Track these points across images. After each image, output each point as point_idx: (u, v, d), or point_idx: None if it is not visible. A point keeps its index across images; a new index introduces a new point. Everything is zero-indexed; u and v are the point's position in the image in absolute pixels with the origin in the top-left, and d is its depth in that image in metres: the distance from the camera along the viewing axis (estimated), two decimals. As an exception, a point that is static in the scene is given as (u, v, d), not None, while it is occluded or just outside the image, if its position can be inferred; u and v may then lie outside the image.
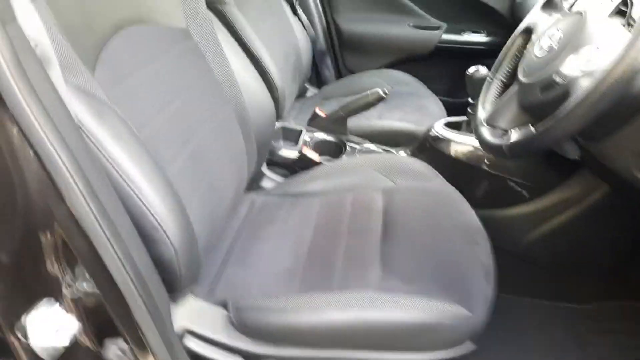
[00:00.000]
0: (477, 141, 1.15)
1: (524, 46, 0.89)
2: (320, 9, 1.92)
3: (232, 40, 1.05)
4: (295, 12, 1.80)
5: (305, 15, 1.85)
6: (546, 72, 0.67)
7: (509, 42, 0.91)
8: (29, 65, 0.46)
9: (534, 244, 1.15)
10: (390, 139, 1.36)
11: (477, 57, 1.87)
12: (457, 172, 1.17)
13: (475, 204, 1.00)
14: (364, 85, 1.75)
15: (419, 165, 1.09)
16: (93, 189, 0.48)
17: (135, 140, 0.61)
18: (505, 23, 1.78)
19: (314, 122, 1.35)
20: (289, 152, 1.21)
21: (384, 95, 1.25)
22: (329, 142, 1.29)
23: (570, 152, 0.90)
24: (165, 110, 0.76)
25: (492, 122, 0.79)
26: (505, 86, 0.89)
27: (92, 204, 0.48)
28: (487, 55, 1.86)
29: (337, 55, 1.99)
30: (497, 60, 0.92)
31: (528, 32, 0.88)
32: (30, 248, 0.52)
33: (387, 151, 1.30)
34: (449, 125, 1.24)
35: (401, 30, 1.88)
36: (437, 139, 1.21)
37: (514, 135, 0.68)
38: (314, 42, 1.88)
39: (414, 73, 1.88)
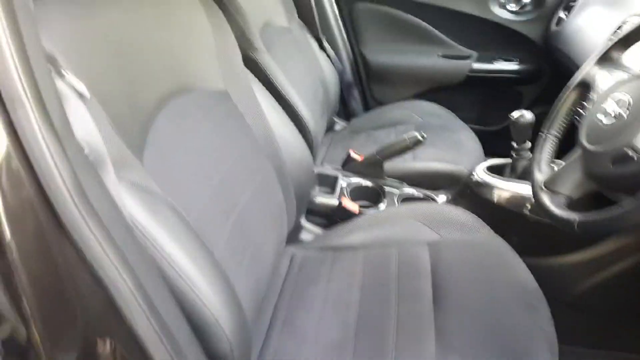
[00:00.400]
0: (521, 187, 1.13)
1: (579, 102, 0.85)
2: (347, 42, 1.90)
3: (265, 91, 1.04)
4: (322, 47, 1.79)
5: (332, 47, 1.84)
6: (617, 144, 0.63)
7: (562, 96, 0.87)
8: (84, 177, 0.44)
9: (587, 292, 1.10)
10: (428, 181, 1.32)
11: (509, 84, 1.83)
12: (500, 218, 1.12)
13: (521, 251, 0.96)
14: (393, 118, 1.73)
15: (464, 215, 1.05)
16: (154, 303, 0.46)
17: (187, 230, 0.59)
18: (538, 50, 1.74)
19: (349, 165, 1.32)
20: (326, 201, 1.18)
21: (421, 139, 1.21)
22: (367, 187, 1.26)
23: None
24: (209, 185, 0.74)
25: (553, 187, 0.75)
26: (561, 142, 0.85)
27: (153, 320, 0.45)
28: (519, 82, 1.83)
29: (365, 87, 1.97)
30: (549, 114, 0.88)
31: (584, 86, 0.83)
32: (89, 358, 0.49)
33: (427, 196, 1.25)
34: (491, 169, 1.19)
35: (430, 60, 1.84)
36: (479, 184, 1.16)
37: (591, 215, 0.64)
38: (340, 74, 1.87)
39: (443, 102, 1.84)
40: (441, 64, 1.83)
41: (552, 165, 0.84)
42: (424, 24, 1.81)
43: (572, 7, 1.56)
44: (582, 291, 1.10)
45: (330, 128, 1.86)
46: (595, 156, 0.69)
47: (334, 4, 1.83)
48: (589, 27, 1.41)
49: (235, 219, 0.78)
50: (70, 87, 0.47)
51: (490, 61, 1.81)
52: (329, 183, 1.25)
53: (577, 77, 0.85)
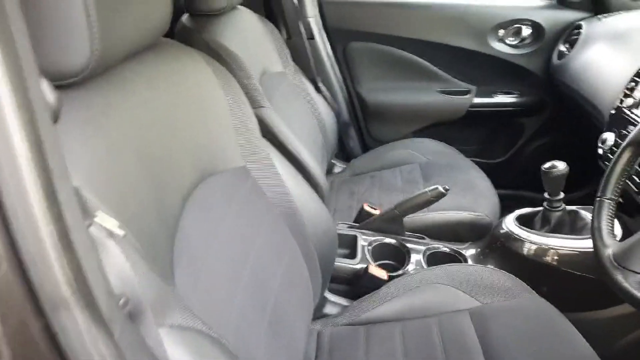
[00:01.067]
0: (554, 240, 1.06)
1: (632, 161, 0.79)
2: (342, 82, 1.84)
3: (280, 155, 0.95)
4: (317, 88, 1.72)
5: (327, 88, 1.77)
6: None
7: (616, 157, 0.81)
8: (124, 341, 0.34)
9: (632, 346, 1.03)
10: (450, 233, 1.24)
11: (510, 117, 1.80)
12: (534, 273, 1.06)
13: (559, 306, 0.90)
14: (396, 157, 1.66)
15: (501, 278, 0.97)
16: None
17: None
18: (539, 82, 1.71)
19: (366, 222, 1.23)
20: (350, 267, 1.08)
21: (444, 192, 1.14)
22: (389, 245, 1.17)
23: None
24: (241, 287, 0.64)
25: (627, 264, 0.68)
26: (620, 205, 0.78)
27: None
28: (521, 114, 1.79)
29: (362, 126, 1.90)
30: (603, 178, 0.82)
31: (636, 145, 0.78)
32: None
33: (455, 251, 1.18)
34: (520, 219, 1.13)
35: (429, 97, 1.80)
36: (510, 237, 1.09)
37: None
38: (337, 115, 1.80)
39: (443, 137, 1.79)
40: (440, 100, 1.78)
41: (613, 234, 0.78)
42: (421, 60, 1.76)
43: (574, 40, 1.54)
44: (625, 344, 1.03)
45: (329, 170, 1.79)
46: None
47: (328, 45, 1.78)
48: (596, 63, 1.39)
49: (270, 317, 0.69)
50: (102, 228, 0.38)
51: (490, 95, 1.77)
52: (346, 243, 1.16)
53: (631, 136, 0.79)
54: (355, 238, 1.16)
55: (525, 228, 1.11)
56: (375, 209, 1.31)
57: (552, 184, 1.06)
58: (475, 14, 1.68)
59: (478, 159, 1.88)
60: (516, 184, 1.91)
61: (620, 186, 0.81)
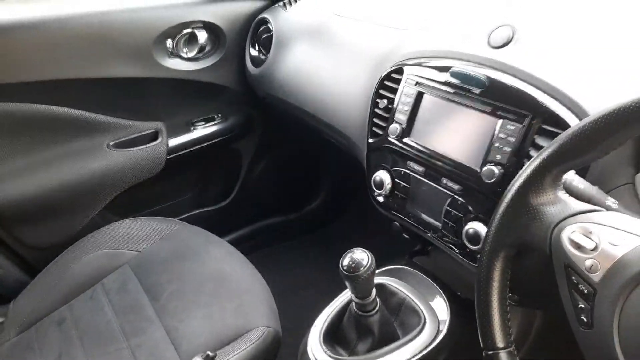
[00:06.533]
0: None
1: (507, 272, 0.48)
2: None
3: None
4: None
5: None
6: None
7: (482, 294, 0.47)
8: None
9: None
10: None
11: (222, 147, 1.36)
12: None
13: None
14: (86, 267, 1.01)
15: None
16: None
17: None
18: (240, 98, 1.32)
19: None
20: None
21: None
22: None
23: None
24: None
25: None
26: None
27: None
28: (232, 140, 1.38)
29: (4, 238, 1.11)
30: (479, 327, 0.47)
31: (507, 247, 0.46)
32: None
33: None
34: (328, 335, 0.74)
35: (100, 159, 1.14)
36: None
37: None
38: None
39: (144, 203, 1.26)
40: (120, 159, 1.16)
41: None
42: (62, 109, 1.08)
43: (266, 41, 1.18)
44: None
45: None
46: None
47: None
48: (309, 70, 1.07)
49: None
50: None
51: (188, 129, 1.27)
52: None
53: (491, 240, 0.47)
54: None
55: (340, 357, 0.74)
56: None
57: (361, 287, 0.70)
58: (124, 24, 1.09)
59: (198, 210, 1.42)
60: (252, 219, 1.56)
61: (508, 317, 0.50)
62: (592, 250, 0.42)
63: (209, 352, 0.66)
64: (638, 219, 0.43)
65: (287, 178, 1.56)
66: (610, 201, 0.49)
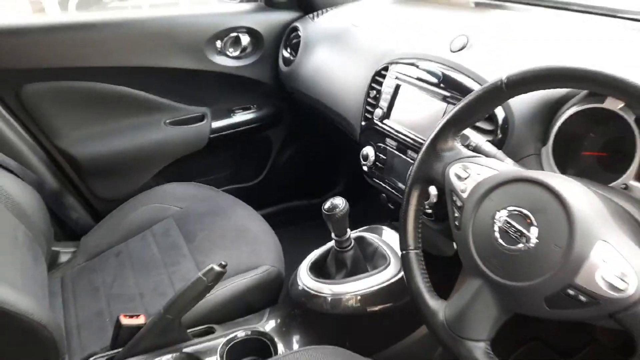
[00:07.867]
0: (354, 284, 0.94)
1: (423, 198, 0.68)
2: (30, 139, 1.32)
3: None
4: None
5: (13, 157, 1.24)
6: (553, 282, 0.50)
7: (404, 204, 0.70)
8: None
9: None
10: (241, 307, 1.01)
11: (254, 133, 1.63)
12: (342, 324, 0.92)
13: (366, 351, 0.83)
14: (139, 217, 1.28)
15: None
16: None
17: None
18: (271, 92, 1.58)
19: (131, 346, 0.86)
20: None
21: (222, 270, 0.87)
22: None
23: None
24: None
25: (465, 333, 0.59)
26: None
27: None
28: (264, 128, 1.64)
29: (82, 189, 1.43)
30: (400, 229, 0.69)
31: (422, 181, 0.67)
32: None
33: (257, 335, 0.93)
34: (315, 268, 0.97)
35: (158, 133, 1.45)
36: (309, 296, 0.95)
37: None
38: (39, 187, 1.28)
39: (188, 174, 1.51)
40: (174, 134, 1.46)
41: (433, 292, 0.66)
42: (133, 90, 1.39)
43: (295, 45, 1.44)
44: None
45: (52, 263, 1.28)
46: (520, 294, 0.53)
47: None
48: (325, 68, 1.31)
49: None
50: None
51: (229, 115, 1.55)
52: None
53: (414, 174, 0.69)
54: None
55: (322, 280, 0.96)
56: (137, 317, 0.94)
57: (338, 226, 0.92)
58: (184, 27, 1.40)
59: (233, 186, 1.67)
60: (280, 199, 1.80)
61: (419, 231, 0.70)
62: (466, 179, 0.62)
63: (222, 262, 0.89)
64: (503, 162, 0.63)
65: (311, 165, 1.80)
66: (500, 153, 0.69)
